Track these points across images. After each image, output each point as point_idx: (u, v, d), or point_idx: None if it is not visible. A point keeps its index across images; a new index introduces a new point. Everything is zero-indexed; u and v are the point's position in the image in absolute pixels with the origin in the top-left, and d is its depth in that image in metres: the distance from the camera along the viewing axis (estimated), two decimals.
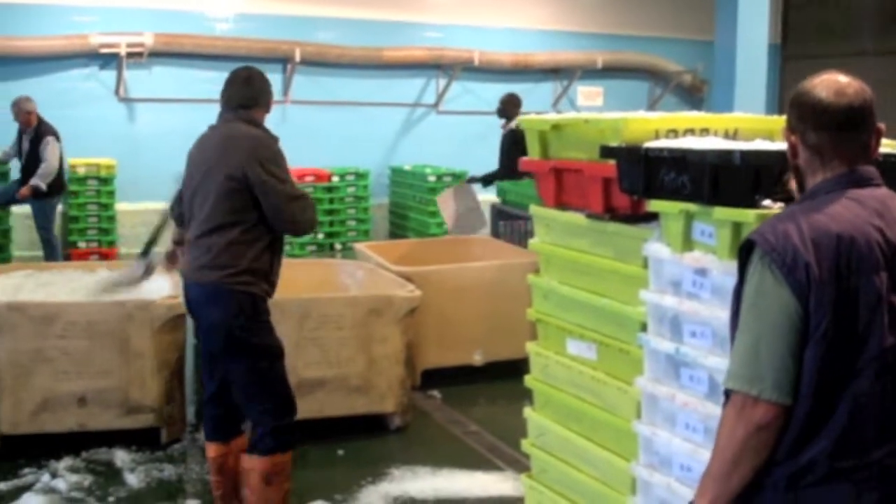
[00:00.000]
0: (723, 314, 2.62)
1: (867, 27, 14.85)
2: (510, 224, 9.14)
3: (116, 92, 12.01)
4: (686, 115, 3.57)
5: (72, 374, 5.22)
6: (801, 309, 2.07)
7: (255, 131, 4.11)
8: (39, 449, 5.25)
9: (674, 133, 3.33)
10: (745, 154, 2.73)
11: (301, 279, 6.62)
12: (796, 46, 15.78)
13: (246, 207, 4.00)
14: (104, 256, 10.64)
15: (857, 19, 14.94)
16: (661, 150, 3.00)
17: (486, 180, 9.98)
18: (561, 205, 3.73)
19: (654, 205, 3.08)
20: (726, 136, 3.41)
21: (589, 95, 14.78)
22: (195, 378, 5.97)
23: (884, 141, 2.32)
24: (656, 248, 3.12)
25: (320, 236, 12.11)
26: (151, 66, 12.01)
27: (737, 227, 2.77)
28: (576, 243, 3.63)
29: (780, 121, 2.59)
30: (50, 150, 9.27)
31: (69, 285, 6.12)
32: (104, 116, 11.88)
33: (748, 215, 2.69)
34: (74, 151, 10.84)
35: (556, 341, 3.78)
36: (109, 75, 11.97)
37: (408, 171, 12.84)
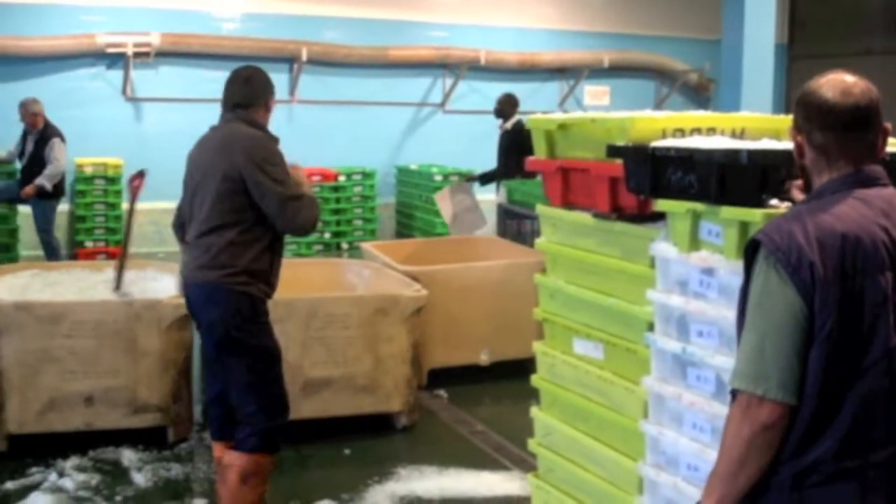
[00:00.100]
0: (730, 314, 2.62)
1: (874, 27, 14.83)
2: (516, 223, 9.14)
3: (123, 91, 12.04)
4: (693, 115, 3.56)
5: (79, 374, 5.23)
6: (806, 309, 2.07)
7: (253, 132, 4.09)
8: (47, 448, 5.26)
9: (681, 132, 3.33)
10: (752, 153, 2.72)
11: (308, 278, 6.63)
12: (803, 46, 15.76)
13: (244, 208, 4.00)
14: (111, 256, 10.63)
15: (864, 19, 14.92)
16: (667, 149, 2.99)
17: (484, 179, 9.96)
18: (567, 204, 3.72)
19: (660, 204, 3.07)
20: (733, 135, 3.40)
21: (595, 95, 14.78)
22: (202, 377, 5.98)
23: (891, 140, 2.31)
24: (663, 248, 3.11)
25: (327, 235, 12.12)
26: (158, 66, 12.04)
27: (744, 226, 2.76)
28: (582, 243, 3.63)
29: (786, 120, 2.59)
30: (58, 152, 9.29)
31: (76, 285, 6.13)
32: (111, 116, 11.91)
33: (755, 215, 2.69)
34: (81, 151, 10.88)
35: (563, 341, 3.77)
36: (116, 75, 12.00)
37: (414, 171, 12.85)
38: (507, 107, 9.66)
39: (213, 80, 11.38)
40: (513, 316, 6.44)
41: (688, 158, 2.90)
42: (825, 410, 2.08)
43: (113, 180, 11.17)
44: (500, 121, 9.74)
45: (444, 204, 9.79)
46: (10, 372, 5.15)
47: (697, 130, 3.36)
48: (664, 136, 3.28)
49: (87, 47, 11.66)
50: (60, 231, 10.41)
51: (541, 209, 3.87)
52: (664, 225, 3.16)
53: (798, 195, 2.45)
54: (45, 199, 9.39)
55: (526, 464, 5.01)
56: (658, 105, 14.90)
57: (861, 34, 14.79)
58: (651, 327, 3.20)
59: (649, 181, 3.05)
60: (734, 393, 2.15)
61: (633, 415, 3.34)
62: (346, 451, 5.49)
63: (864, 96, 2.19)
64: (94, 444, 5.33)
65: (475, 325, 6.67)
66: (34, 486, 4.91)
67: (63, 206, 10.43)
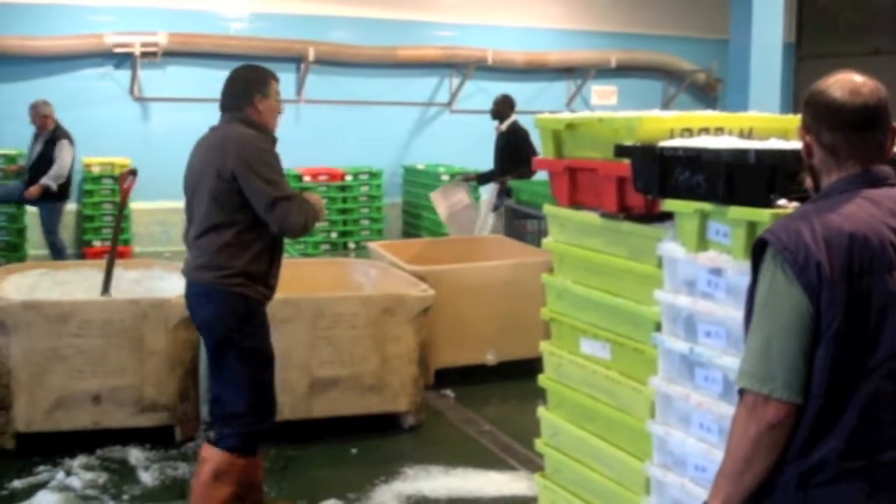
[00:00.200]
0: (737, 314, 2.61)
1: (882, 26, 14.80)
2: (524, 223, 9.14)
3: (131, 91, 12.07)
4: (701, 115, 3.55)
5: (86, 373, 5.24)
6: (812, 308, 2.06)
7: (246, 132, 4.06)
8: (54, 447, 5.27)
9: (688, 132, 3.32)
10: (760, 153, 2.72)
11: (314, 278, 6.64)
12: (811, 45, 15.73)
13: (240, 209, 3.99)
14: (119, 255, 10.66)
15: (872, 18, 14.90)
16: (675, 149, 2.99)
17: (482, 179, 9.95)
18: (575, 204, 3.72)
19: (668, 204, 3.07)
20: (741, 135, 3.40)
21: (603, 94, 14.77)
22: (208, 376, 5.99)
23: None
24: (671, 248, 3.11)
25: (333, 235, 12.14)
26: (166, 66, 12.07)
27: (752, 226, 2.75)
28: (590, 242, 3.62)
29: (794, 120, 2.59)
30: (64, 153, 9.30)
31: (84, 284, 6.15)
32: (119, 116, 11.94)
33: (763, 215, 2.68)
34: (89, 151, 10.91)
35: (570, 341, 3.77)
36: (124, 75, 12.03)
37: (421, 171, 12.85)
38: (503, 108, 9.63)
39: (221, 80, 11.30)
40: (520, 316, 6.44)
41: (696, 158, 2.90)
42: (831, 410, 2.08)
43: (119, 180, 11.18)
44: (496, 122, 9.72)
45: (440, 203, 9.79)
46: (18, 371, 5.16)
47: (705, 130, 3.36)
48: (672, 135, 3.27)
49: (94, 47, 11.69)
50: (68, 231, 10.44)
51: (548, 209, 3.87)
52: (672, 225, 3.16)
53: (811, 184, 2.44)
54: (51, 201, 9.40)
55: (533, 464, 5.01)
56: (665, 105, 14.89)
57: (869, 34, 14.77)
58: (658, 327, 3.20)
59: (657, 181, 3.05)
60: (741, 393, 2.15)
61: (640, 415, 3.33)
62: (353, 451, 5.49)
63: (872, 96, 2.19)
64: (101, 443, 5.34)
65: (482, 324, 6.67)
66: (42, 485, 4.92)
67: (71, 206, 10.47)
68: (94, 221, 11.22)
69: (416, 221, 12.89)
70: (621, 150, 3.22)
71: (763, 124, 3.51)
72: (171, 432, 5.43)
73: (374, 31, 13.09)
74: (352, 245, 12.23)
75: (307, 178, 11.71)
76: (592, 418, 3.64)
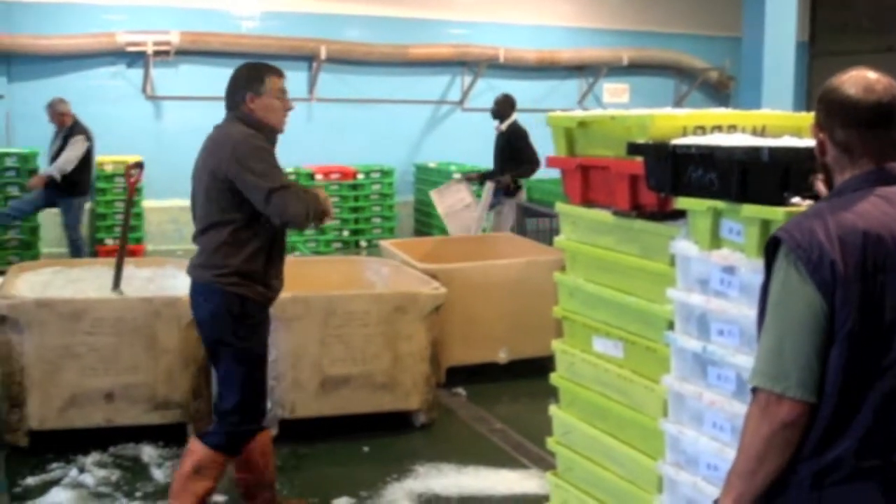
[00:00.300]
0: (751, 312, 2.60)
1: (895, 24, 14.72)
2: (536, 221, 9.13)
3: (143, 90, 12.10)
4: (714, 112, 3.54)
5: (99, 370, 5.26)
6: (826, 307, 2.06)
7: (240, 130, 4.04)
8: (67, 444, 5.29)
9: (701, 130, 3.31)
10: (774, 151, 2.71)
11: (326, 276, 6.65)
12: (824, 43, 15.67)
13: (235, 208, 3.98)
14: (131, 253, 10.65)
15: (886, 15, 14.81)
16: (688, 146, 2.98)
17: (483, 178, 9.94)
18: (587, 202, 3.71)
19: (681, 202, 3.06)
20: (754, 132, 3.38)
21: (615, 92, 14.74)
22: None
23: None
24: (684, 246, 3.10)
25: (345, 233, 12.16)
26: (178, 65, 12.09)
27: (765, 224, 2.74)
28: (602, 241, 3.62)
29: (808, 117, 2.57)
30: (75, 147, 9.33)
31: (97, 282, 6.16)
32: (131, 114, 11.97)
33: (777, 213, 2.67)
34: (102, 149, 10.93)
35: (582, 339, 3.76)
36: (136, 73, 12.06)
37: (433, 169, 12.85)
38: (504, 108, 9.60)
39: None
40: (531, 314, 6.43)
41: (709, 156, 2.89)
42: (845, 409, 2.07)
43: (125, 174, 11.21)
44: (496, 122, 9.70)
45: (440, 200, 9.76)
46: (32, 368, 5.18)
47: (718, 128, 3.35)
48: (685, 133, 3.27)
49: (107, 46, 11.72)
50: (82, 229, 10.45)
51: (560, 207, 3.86)
52: (684, 223, 3.15)
53: (821, 188, 2.43)
54: (72, 197, 9.45)
55: (544, 462, 5.00)
56: (677, 103, 14.85)
57: (883, 31, 14.69)
58: (671, 326, 3.19)
59: (670, 179, 3.04)
60: (755, 391, 2.14)
61: (652, 413, 3.33)
62: (365, 449, 5.50)
63: (886, 93, 2.18)
64: (114, 441, 5.36)
65: (494, 322, 6.67)
66: (55, 482, 4.94)
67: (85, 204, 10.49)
68: (107, 220, 11.26)
69: (427, 220, 12.89)
70: (634, 148, 3.21)
71: (776, 122, 3.50)
72: (184, 430, 5.43)
73: (386, 30, 13.09)
74: (363, 243, 12.25)
75: (319, 177, 11.73)
76: (605, 417, 3.63)
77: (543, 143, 4.11)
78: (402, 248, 7.29)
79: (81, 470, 5.06)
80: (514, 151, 9.26)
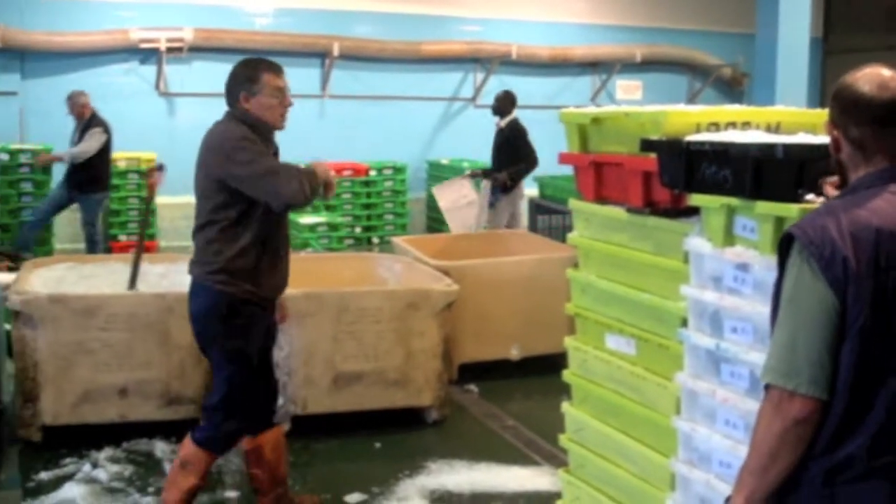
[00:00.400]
0: (764, 310, 2.59)
1: None
2: (548, 218, 9.11)
3: (157, 87, 12.13)
4: (728, 109, 3.53)
5: (113, 366, 5.28)
6: (838, 304, 2.05)
7: (230, 128, 4.02)
8: (81, 439, 5.31)
9: (715, 126, 3.30)
10: (788, 147, 2.69)
11: (339, 272, 6.65)
12: (838, 39, 15.61)
13: (225, 205, 3.97)
14: (145, 250, 10.72)
15: None
16: (702, 143, 2.96)
17: (486, 175, 9.94)
18: (600, 199, 3.70)
19: (695, 199, 3.05)
20: (768, 129, 3.37)
21: (628, 89, 14.72)
22: None
23: None
24: (697, 243, 3.09)
25: (358, 230, 12.17)
26: (191, 61, 12.12)
27: (779, 221, 2.73)
28: (615, 237, 3.61)
29: (822, 114, 2.56)
30: (93, 139, 9.36)
31: (110, 278, 6.18)
32: (144, 111, 12.00)
33: (791, 210, 2.66)
34: (115, 146, 10.94)
35: (595, 336, 3.76)
36: (150, 70, 12.09)
37: (445, 165, 12.85)
38: (504, 104, 9.56)
39: None
40: (544, 311, 6.43)
41: (723, 153, 2.88)
42: (857, 406, 2.06)
43: (146, 174, 11.24)
44: (497, 118, 9.68)
45: (442, 196, 9.75)
46: (45, 364, 5.20)
47: (732, 125, 3.33)
48: (698, 130, 3.25)
49: (120, 43, 11.75)
50: (100, 225, 10.48)
51: (573, 204, 3.85)
52: (698, 220, 3.14)
53: (831, 192, 2.42)
54: (92, 193, 9.49)
55: (556, 459, 5.00)
56: (691, 100, 14.81)
57: None
58: (684, 323, 3.18)
59: (683, 175, 3.03)
60: (767, 388, 2.14)
61: (665, 411, 3.32)
62: (377, 445, 5.51)
63: None
64: (127, 436, 5.38)
65: (506, 319, 6.67)
66: (68, 477, 4.96)
67: None
68: (120, 216, 11.30)
69: (439, 216, 12.81)
70: (647, 145, 3.20)
71: (791, 119, 3.48)
72: (197, 425, 5.44)
73: (399, 26, 13.10)
74: (376, 240, 12.26)
75: (332, 173, 11.71)
76: (617, 414, 3.63)
77: (556, 140, 4.09)
78: (414, 245, 7.29)
79: (95, 465, 5.08)
80: (513, 149, 9.25)
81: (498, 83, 13.55)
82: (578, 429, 3.89)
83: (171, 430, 5.42)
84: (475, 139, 13.24)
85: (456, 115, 13.76)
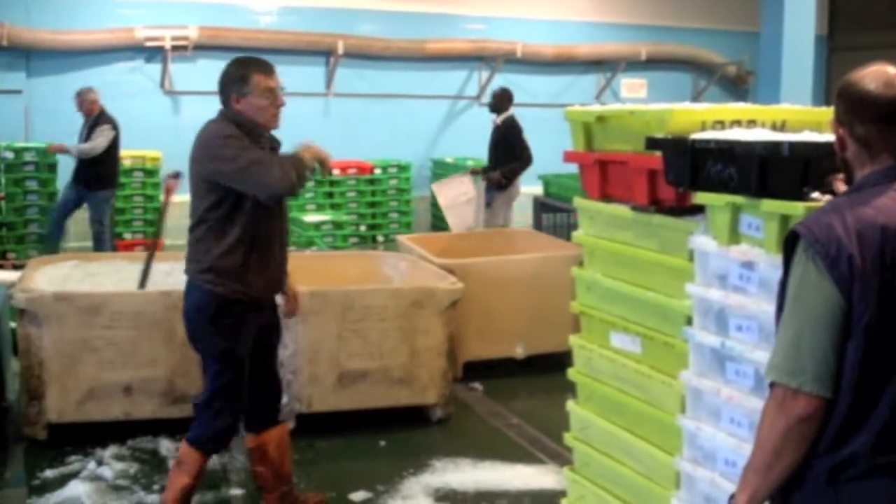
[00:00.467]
0: (769, 308, 2.59)
1: None
2: (553, 216, 9.10)
3: (162, 85, 12.14)
4: (733, 107, 3.52)
5: (118, 364, 5.28)
6: (843, 301, 2.05)
7: (217, 128, 4.02)
8: (86, 437, 5.32)
9: (720, 124, 3.29)
10: (794, 146, 2.69)
11: (344, 271, 6.66)
12: (843, 37, 15.58)
13: (213, 204, 3.97)
14: (150, 248, 10.73)
15: None
16: (707, 141, 2.96)
17: (486, 172, 9.92)
18: (605, 197, 3.70)
19: (700, 197, 3.04)
20: (774, 127, 3.36)
21: (633, 87, 14.70)
22: None
23: None
24: (702, 241, 3.09)
25: (362, 228, 12.17)
26: (196, 60, 12.12)
27: (785, 219, 2.73)
28: (620, 236, 3.60)
29: (828, 112, 2.56)
30: (102, 135, 9.36)
31: (116, 276, 6.19)
32: (149, 109, 12.01)
33: (796, 208, 2.66)
34: (121, 143, 10.98)
35: (600, 334, 3.76)
36: (154, 68, 12.10)
37: (450, 164, 12.85)
38: (501, 102, 9.56)
39: None
40: (549, 309, 6.43)
41: (728, 151, 2.87)
42: (862, 404, 2.06)
43: (151, 173, 11.27)
44: (493, 115, 9.67)
45: (442, 193, 9.74)
46: (50, 362, 5.21)
47: (737, 123, 3.32)
48: (703, 128, 3.24)
49: (125, 41, 11.77)
50: (108, 223, 10.48)
51: (578, 202, 3.85)
52: (703, 218, 3.14)
53: (841, 188, 2.42)
54: (100, 189, 9.49)
55: (561, 457, 5.00)
56: (695, 98, 14.81)
57: None
58: (689, 321, 3.18)
59: (689, 173, 3.02)
60: (772, 385, 2.14)
61: (670, 409, 3.32)
62: (382, 443, 5.51)
63: None
64: (132, 434, 5.39)
65: (511, 318, 6.67)
66: (73, 475, 4.96)
67: None
68: (126, 214, 11.30)
69: (444, 214, 12.88)
70: (652, 143, 3.20)
71: (796, 117, 3.47)
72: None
73: (404, 25, 13.10)
74: (380, 238, 12.26)
75: (336, 172, 11.74)
76: (622, 412, 3.62)
77: (561, 138, 4.09)
78: (419, 243, 7.30)
79: (100, 463, 5.09)
80: (509, 146, 9.25)
81: (502, 81, 13.52)
82: (583, 427, 3.88)
83: (176, 428, 5.41)
84: (480, 137, 13.19)
85: (460, 113, 13.76)
